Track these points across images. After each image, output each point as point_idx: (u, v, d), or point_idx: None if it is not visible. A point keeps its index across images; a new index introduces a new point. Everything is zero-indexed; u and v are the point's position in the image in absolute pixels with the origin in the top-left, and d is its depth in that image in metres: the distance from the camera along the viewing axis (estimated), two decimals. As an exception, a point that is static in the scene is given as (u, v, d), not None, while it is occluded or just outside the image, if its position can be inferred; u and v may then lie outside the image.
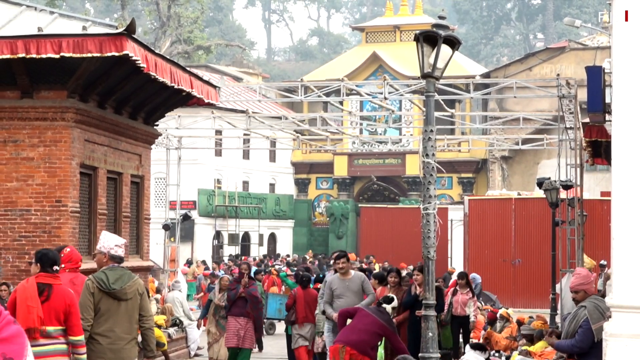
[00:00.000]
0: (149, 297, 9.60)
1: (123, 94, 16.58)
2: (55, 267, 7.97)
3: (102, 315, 8.35)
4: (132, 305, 8.47)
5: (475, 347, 11.81)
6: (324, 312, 13.07)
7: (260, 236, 44.52)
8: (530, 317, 16.70)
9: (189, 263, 36.52)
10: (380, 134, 43.92)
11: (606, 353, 7.80)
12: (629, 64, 7.75)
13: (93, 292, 8.33)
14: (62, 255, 8.90)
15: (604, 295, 10.31)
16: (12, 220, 15.04)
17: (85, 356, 7.87)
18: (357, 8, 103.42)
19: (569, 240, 20.18)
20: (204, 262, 36.94)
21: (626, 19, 7.71)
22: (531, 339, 13.91)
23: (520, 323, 16.18)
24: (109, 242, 8.67)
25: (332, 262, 14.68)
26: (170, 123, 25.97)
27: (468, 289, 17.04)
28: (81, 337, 7.86)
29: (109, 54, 13.56)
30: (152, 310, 9.59)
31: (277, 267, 29.86)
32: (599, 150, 18.85)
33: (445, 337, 15.86)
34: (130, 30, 13.59)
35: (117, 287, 8.36)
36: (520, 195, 32.12)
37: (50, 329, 7.76)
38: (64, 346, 7.83)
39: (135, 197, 18.34)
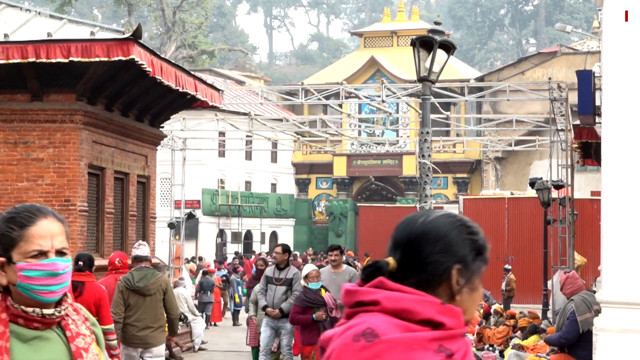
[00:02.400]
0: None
1: (130, 97, 16.57)
2: (81, 266, 8.87)
3: (131, 309, 9.81)
4: (156, 299, 9.92)
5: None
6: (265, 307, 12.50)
7: (262, 234, 44.51)
8: (521, 313, 16.69)
9: (187, 260, 36.43)
10: (378, 136, 43.89)
11: (596, 347, 7.80)
12: (618, 68, 7.75)
13: (122, 290, 9.79)
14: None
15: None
16: (22, 219, 15.02)
17: (115, 342, 8.60)
18: (356, 14, 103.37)
19: (560, 238, 20.19)
20: (200, 258, 36.81)
21: (626, 19, 7.72)
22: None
23: (515, 325, 16.03)
24: (134, 246, 10.32)
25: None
26: (175, 125, 25.97)
27: None
28: (111, 326, 8.59)
29: (116, 59, 13.56)
30: (175, 301, 10.69)
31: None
32: (589, 151, 18.86)
33: None
34: (136, 36, 13.59)
35: (141, 284, 9.79)
36: (513, 194, 32.10)
37: None
38: None
39: (142, 197, 18.34)
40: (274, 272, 12.51)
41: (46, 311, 2.64)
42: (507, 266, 24.95)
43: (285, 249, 12.74)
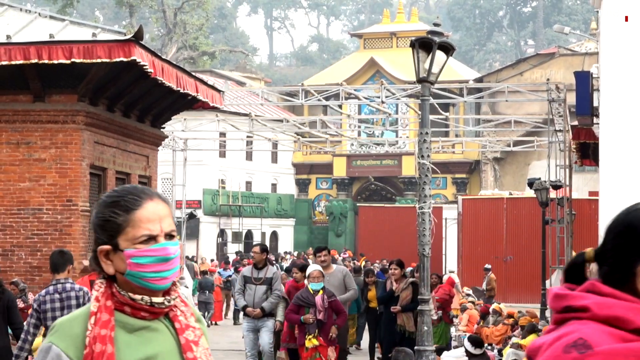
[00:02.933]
0: None
1: (131, 98, 16.58)
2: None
3: None
4: None
5: (474, 341, 11.69)
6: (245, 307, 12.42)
7: (263, 234, 44.50)
8: (520, 312, 16.68)
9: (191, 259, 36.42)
10: (378, 136, 43.89)
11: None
12: (615, 70, 7.75)
13: None
14: None
15: None
16: (24, 218, 15.04)
17: None
18: (356, 15, 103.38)
19: (558, 238, 20.19)
20: (202, 260, 36.81)
21: (626, 21, 7.72)
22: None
23: (514, 323, 16.00)
24: None
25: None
26: (176, 126, 25.97)
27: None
28: None
29: (118, 60, 13.56)
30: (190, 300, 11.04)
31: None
32: (587, 151, 18.87)
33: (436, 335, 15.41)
34: (138, 37, 13.59)
35: None
36: (511, 195, 32.09)
37: None
38: None
39: (143, 197, 18.33)
40: (252, 272, 12.35)
41: (155, 299, 2.43)
42: (487, 266, 24.85)
43: (264, 248, 12.70)
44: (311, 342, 10.93)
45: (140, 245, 2.41)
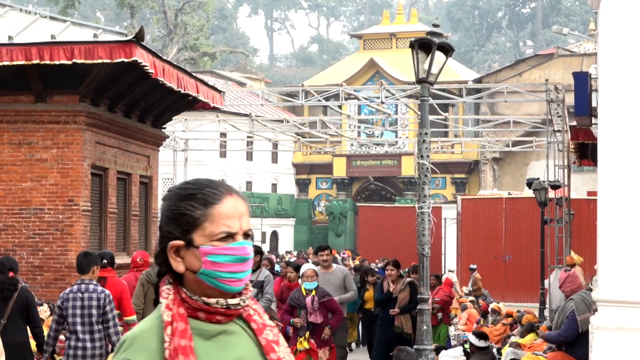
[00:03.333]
0: None
1: (132, 98, 16.58)
2: (104, 263, 9.37)
3: (148, 302, 9.95)
4: None
5: (479, 335, 11.62)
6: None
7: (263, 234, 44.50)
8: (519, 311, 16.68)
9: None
10: (377, 137, 43.89)
11: (592, 345, 7.80)
12: (614, 70, 7.75)
13: (143, 283, 10.04)
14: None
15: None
16: (26, 218, 15.04)
17: None
18: (355, 16, 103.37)
19: (557, 237, 20.19)
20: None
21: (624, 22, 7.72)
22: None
23: (513, 323, 15.97)
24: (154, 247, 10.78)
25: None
26: (177, 126, 25.97)
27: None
28: (133, 317, 9.12)
29: (119, 60, 13.57)
30: None
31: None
32: (585, 152, 18.85)
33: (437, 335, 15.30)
34: (139, 38, 13.60)
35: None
36: (510, 195, 32.09)
37: None
38: (120, 328, 8.70)
39: (144, 197, 18.34)
40: None
41: (231, 301, 2.23)
42: (472, 266, 24.79)
43: (257, 250, 12.08)
44: (302, 344, 10.63)
45: (218, 243, 2.21)
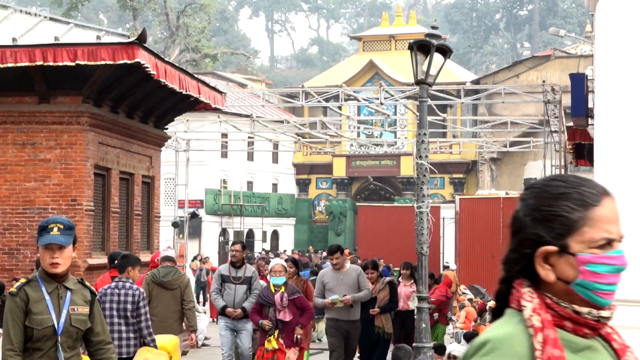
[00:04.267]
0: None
1: (134, 99, 16.58)
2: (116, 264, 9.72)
3: (153, 301, 10.43)
4: (177, 294, 10.69)
5: (470, 336, 11.64)
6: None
7: (264, 233, 44.50)
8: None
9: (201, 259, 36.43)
10: (377, 137, 43.88)
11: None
12: (610, 71, 7.75)
13: (148, 283, 10.58)
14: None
15: None
16: (30, 218, 15.04)
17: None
18: (355, 18, 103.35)
19: (554, 237, 20.16)
20: (205, 259, 36.82)
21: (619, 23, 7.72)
22: None
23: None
24: (163, 248, 12.00)
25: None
26: (179, 127, 25.97)
27: (412, 281, 13.39)
28: None
29: (122, 62, 13.56)
30: (193, 297, 11.55)
31: None
32: (582, 152, 18.86)
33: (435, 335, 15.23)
34: (141, 40, 13.60)
35: (166, 279, 10.69)
36: (508, 194, 32.09)
37: None
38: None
39: (146, 197, 18.35)
40: (229, 271, 11.60)
41: (604, 313, 1.97)
42: (446, 263, 24.71)
43: (245, 246, 12.00)
44: (271, 343, 10.28)
45: (597, 250, 1.95)
